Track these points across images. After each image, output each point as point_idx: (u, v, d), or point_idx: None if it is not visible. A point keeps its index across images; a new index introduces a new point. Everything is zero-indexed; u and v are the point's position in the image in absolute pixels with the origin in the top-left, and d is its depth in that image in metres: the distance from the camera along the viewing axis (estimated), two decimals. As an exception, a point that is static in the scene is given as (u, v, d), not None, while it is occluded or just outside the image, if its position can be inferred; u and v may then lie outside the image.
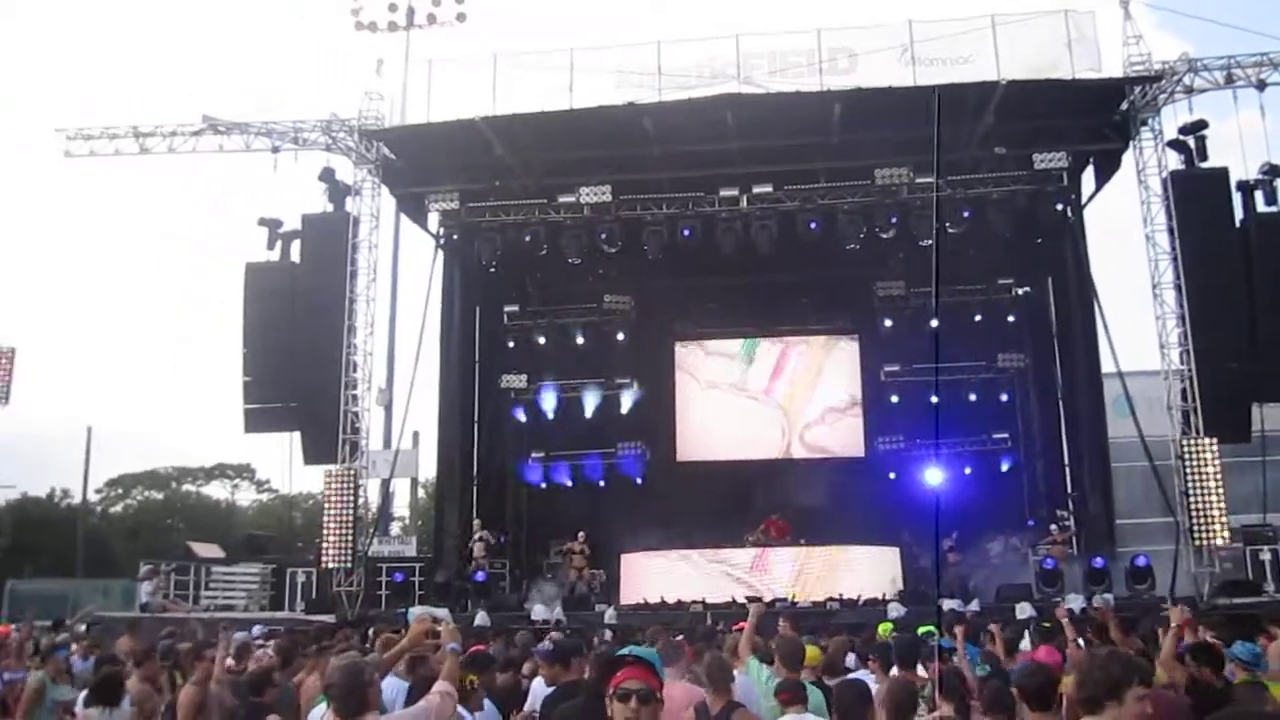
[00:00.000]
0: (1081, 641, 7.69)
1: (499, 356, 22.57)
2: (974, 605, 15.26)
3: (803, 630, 8.56)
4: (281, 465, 19.08)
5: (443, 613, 4.93)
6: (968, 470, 20.96)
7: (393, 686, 5.35)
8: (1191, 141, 17.20)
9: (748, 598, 14.67)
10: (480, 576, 18.28)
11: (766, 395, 23.14)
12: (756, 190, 18.92)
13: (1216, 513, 16.02)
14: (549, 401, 22.33)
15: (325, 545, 17.92)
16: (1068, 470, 20.68)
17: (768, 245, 18.82)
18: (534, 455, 22.54)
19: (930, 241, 18.69)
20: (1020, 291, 21.97)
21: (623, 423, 22.29)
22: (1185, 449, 16.39)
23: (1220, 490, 16.06)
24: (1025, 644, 8.28)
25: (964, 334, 20.58)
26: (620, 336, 22.40)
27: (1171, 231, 16.98)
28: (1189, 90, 17.22)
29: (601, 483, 22.22)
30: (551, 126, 18.23)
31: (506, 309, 22.76)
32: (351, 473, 18.14)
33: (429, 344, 20.34)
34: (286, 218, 19.27)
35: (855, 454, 22.35)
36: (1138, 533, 19.22)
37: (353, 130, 19.02)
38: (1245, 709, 3.99)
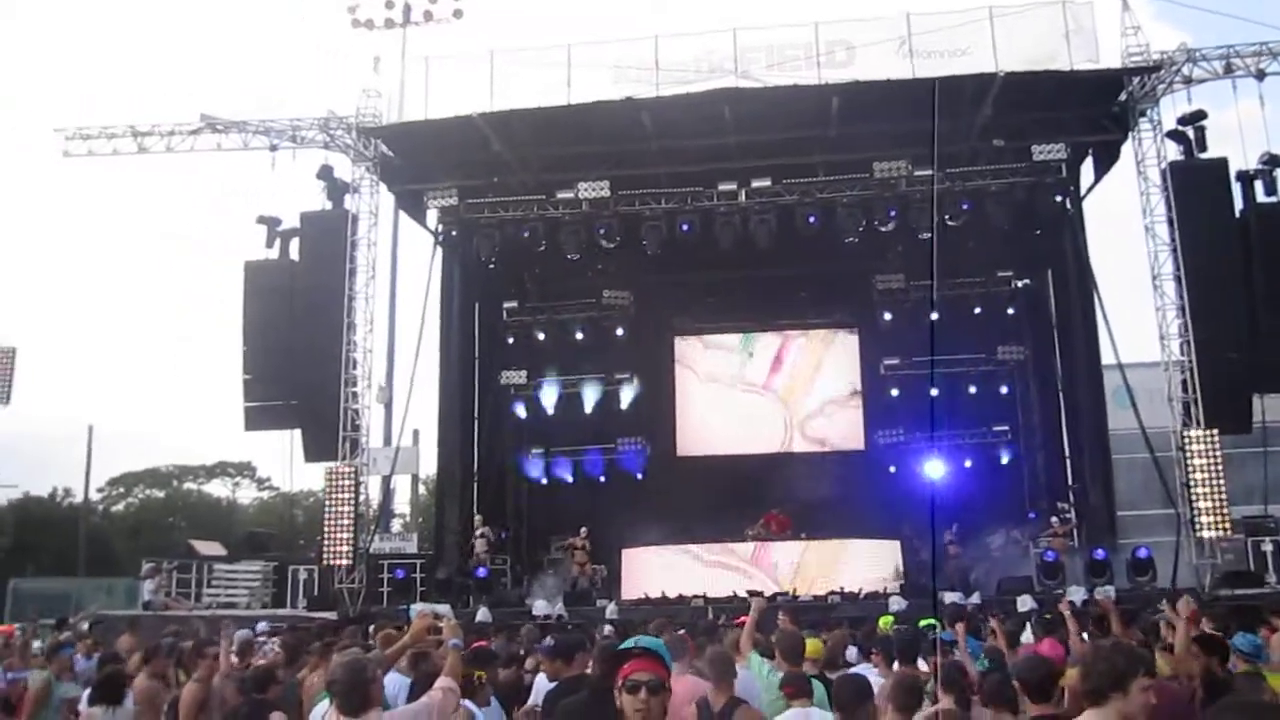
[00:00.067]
0: (1085, 635, 7.69)
1: (498, 352, 22.55)
2: (975, 598, 15.30)
3: (803, 624, 8.57)
4: (282, 463, 19.18)
5: (444, 609, 4.96)
6: (968, 463, 20.98)
7: (395, 683, 5.37)
8: (1191, 132, 17.16)
9: (749, 592, 14.70)
10: (481, 572, 18.28)
11: (766, 389, 23.15)
12: (755, 184, 18.89)
13: (1217, 504, 15.99)
14: (549, 397, 22.32)
15: (326, 542, 17.95)
16: (1068, 462, 20.67)
17: (766, 239, 18.82)
18: (534, 451, 22.56)
19: (929, 234, 18.70)
20: (1020, 283, 21.93)
21: (623, 418, 22.30)
22: (1186, 440, 16.37)
23: (1221, 481, 16.04)
24: (1027, 636, 8.29)
25: (963, 326, 20.53)
26: (619, 331, 22.35)
27: (1171, 222, 16.95)
28: (1188, 80, 17.19)
29: (602, 478, 22.23)
30: (549, 122, 18.19)
31: (506, 305, 22.71)
32: (352, 470, 18.15)
33: (428, 341, 20.39)
34: (285, 216, 19.33)
35: (855, 447, 22.36)
36: (1139, 524, 19.21)
37: (351, 128, 18.99)
38: (1241, 699, 4.00)
